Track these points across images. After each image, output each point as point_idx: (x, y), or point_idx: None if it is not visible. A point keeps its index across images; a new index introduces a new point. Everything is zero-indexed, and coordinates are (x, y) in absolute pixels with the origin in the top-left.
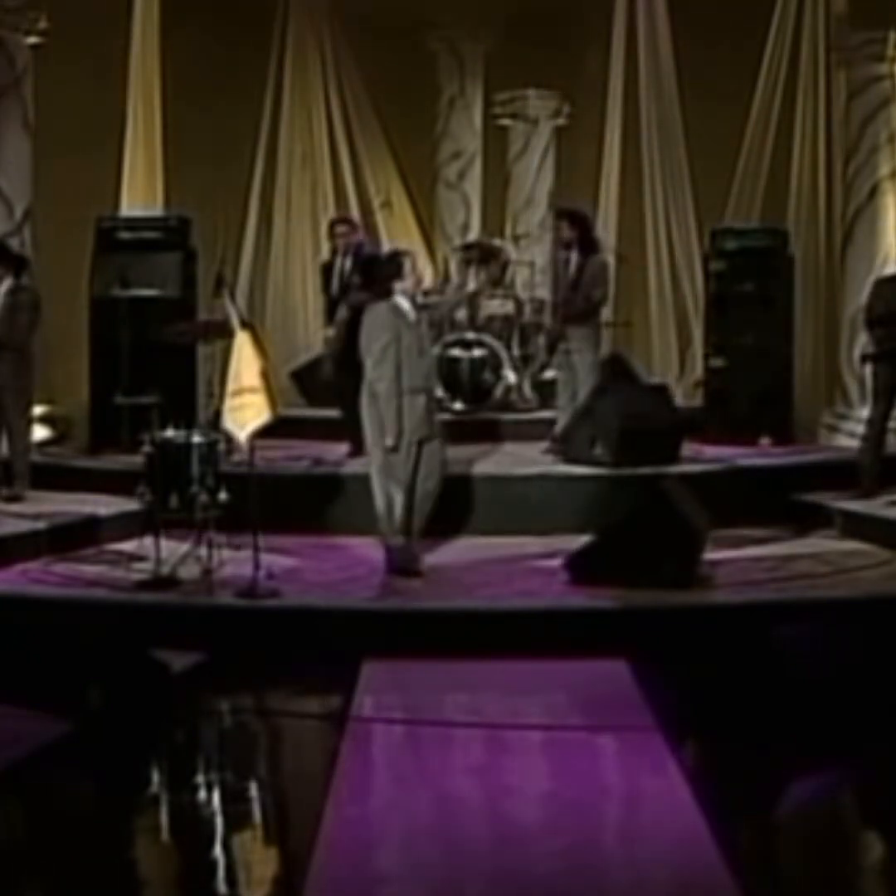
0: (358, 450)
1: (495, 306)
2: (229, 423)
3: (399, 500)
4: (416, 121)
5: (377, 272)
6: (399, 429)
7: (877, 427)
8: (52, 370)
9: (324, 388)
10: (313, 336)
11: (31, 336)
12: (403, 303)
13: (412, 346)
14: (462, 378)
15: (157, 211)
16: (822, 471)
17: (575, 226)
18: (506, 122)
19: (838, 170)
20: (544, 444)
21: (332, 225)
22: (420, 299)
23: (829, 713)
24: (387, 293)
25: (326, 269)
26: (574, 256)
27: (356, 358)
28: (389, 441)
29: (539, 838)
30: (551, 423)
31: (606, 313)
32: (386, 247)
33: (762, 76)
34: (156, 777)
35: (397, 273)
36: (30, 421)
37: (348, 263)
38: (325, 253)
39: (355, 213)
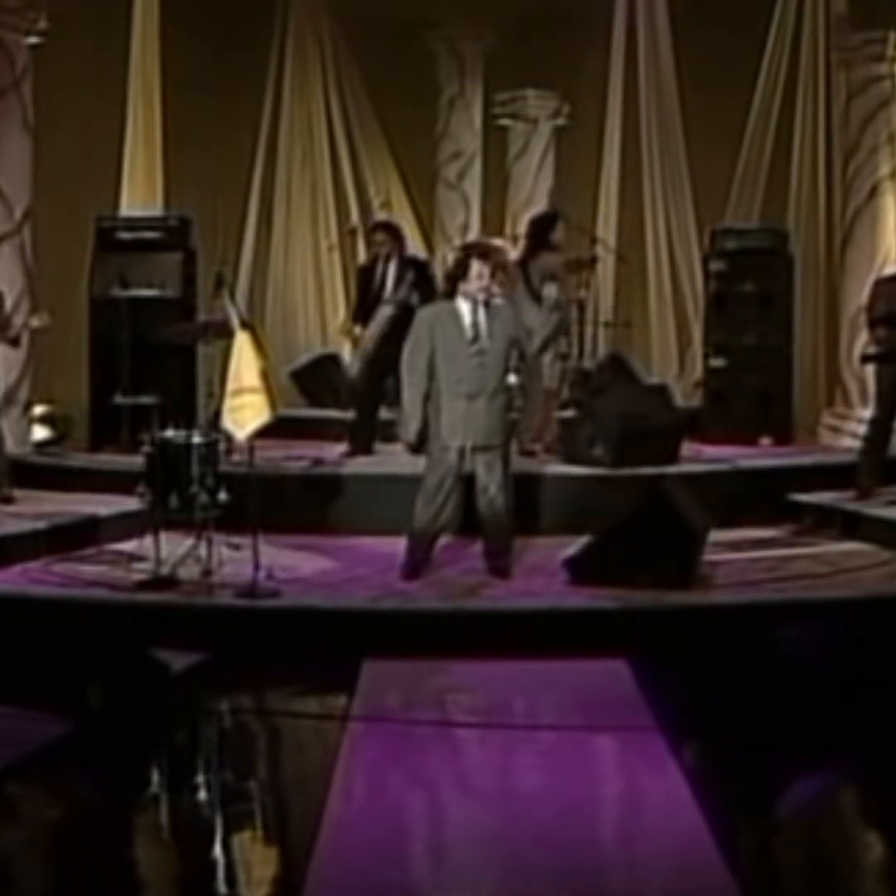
0: (356, 451)
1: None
2: (229, 423)
3: (419, 500)
4: (416, 121)
5: (447, 272)
6: (414, 431)
7: (880, 427)
8: (51, 370)
9: (338, 387)
10: (313, 335)
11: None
12: (462, 305)
13: (449, 349)
14: None
15: (156, 211)
16: (822, 471)
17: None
18: (505, 122)
19: (838, 170)
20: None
21: (371, 231)
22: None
23: (829, 713)
24: (451, 294)
25: (365, 272)
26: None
27: (391, 360)
28: (405, 437)
29: (539, 838)
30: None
31: (606, 313)
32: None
33: (762, 76)
34: (156, 777)
35: (463, 274)
36: None
37: (392, 268)
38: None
39: (355, 213)
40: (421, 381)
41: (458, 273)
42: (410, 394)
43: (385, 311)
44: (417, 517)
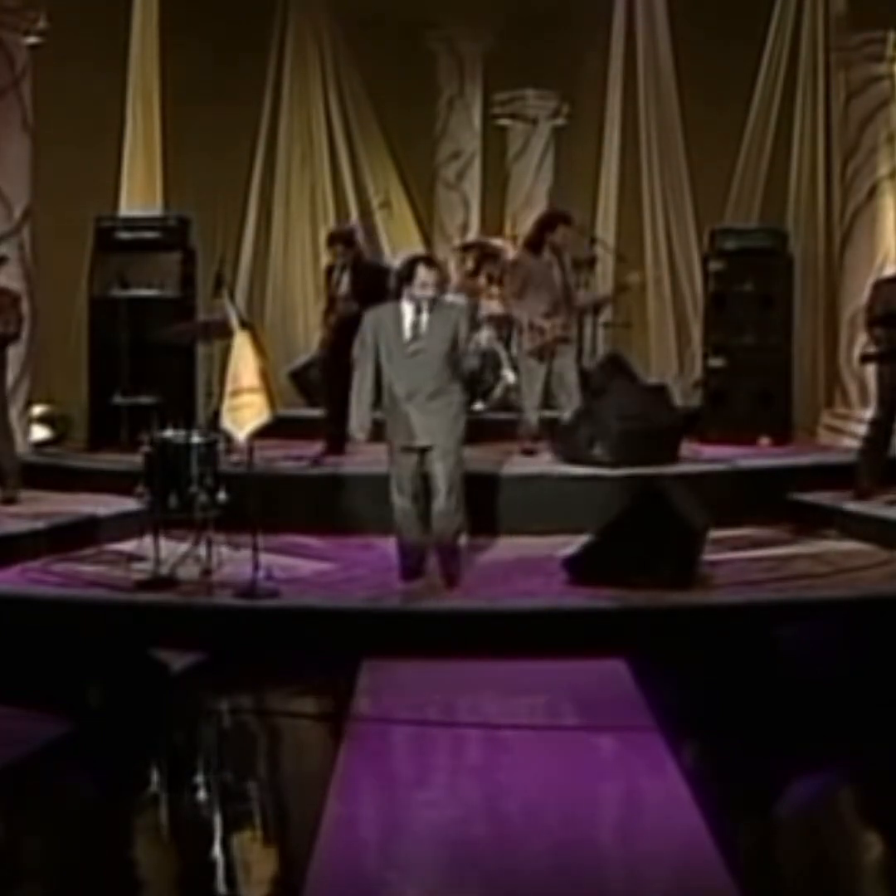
0: (332, 450)
1: (495, 306)
2: (228, 423)
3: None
4: (415, 121)
5: (396, 275)
6: (355, 425)
7: (880, 428)
8: (51, 370)
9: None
10: (312, 336)
11: (12, 336)
12: (406, 307)
13: (388, 350)
14: None
15: (156, 211)
16: (822, 471)
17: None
18: (505, 122)
19: (837, 170)
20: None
21: (329, 241)
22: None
23: (829, 713)
24: (397, 296)
25: (329, 272)
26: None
27: (341, 363)
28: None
29: (538, 838)
30: (551, 422)
31: (606, 313)
32: (386, 249)
33: (762, 76)
34: (156, 777)
35: (408, 278)
36: (8, 419)
37: (345, 277)
38: (326, 257)
39: (354, 213)
40: (364, 379)
41: (403, 276)
42: (354, 390)
43: (331, 320)
44: (395, 520)
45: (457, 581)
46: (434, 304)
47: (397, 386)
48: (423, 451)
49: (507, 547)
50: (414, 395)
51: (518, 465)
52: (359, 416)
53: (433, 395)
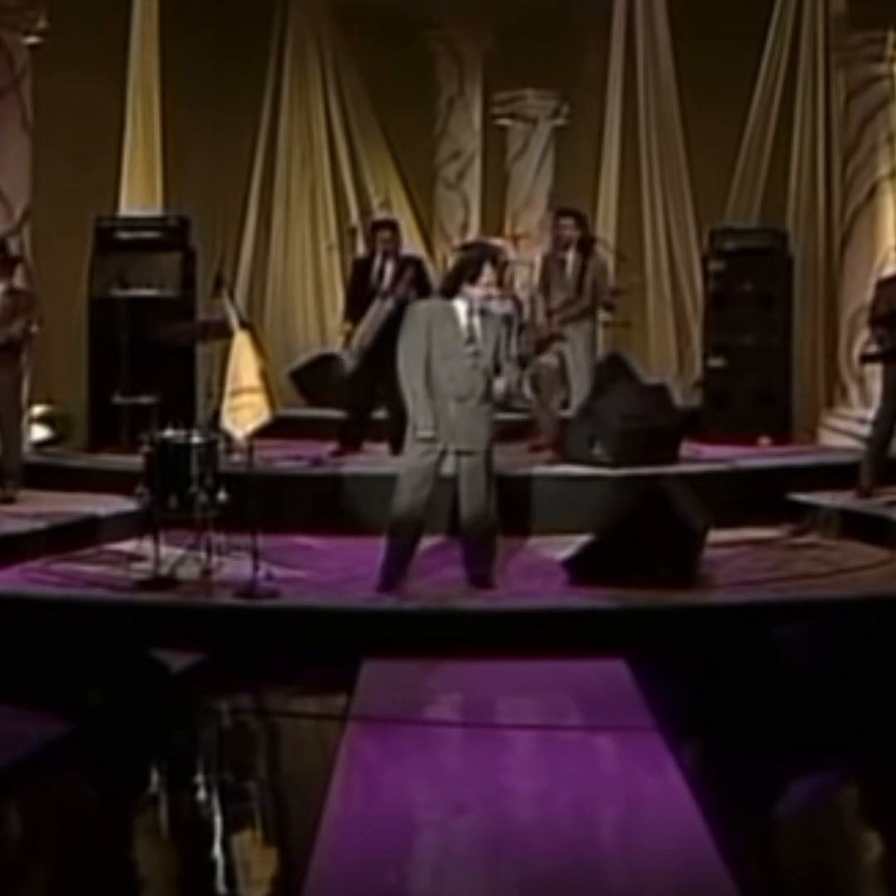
0: (345, 450)
1: (494, 306)
2: (228, 423)
3: (396, 499)
4: (415, 121)
5: (456, 270)
6: (432, 423)
7: (883, 427)
8: (51, 370)
9: (336, 385)
10: (312, 335)
11: (29, 337)
12: (459, 306)
13: (444, 348)
14: None
15: (156, 211)
16: (822, 471)
17: (579, 225)
18: (505, 122)
19: (837, 170)
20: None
21: (375, 227)
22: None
23: (828, 713)
24: (452, 293)
25: (361, 266)
26: (571, 256)
27: (386, 354)
28: (423, 432)
29: (538, 838)
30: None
31: (606, 313)
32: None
33: (761, 76)
34: (156, 777)
35: (474, 276)
36: (21, 421)
37: (389, 266)
38: (348, 250)
39: (354, 213)
40: (420, 371)
41: (468, 273)
42: (415, 387)
43: (383, 308)
44: (397, 520)
45: (491, 582)
46: (484, 306)
47: (450, 386)
48: (447, 453)
49: (509, 547)
50: (467, 399)
51: (517, 466)
52: (430, 414)
53: (483, 400)
